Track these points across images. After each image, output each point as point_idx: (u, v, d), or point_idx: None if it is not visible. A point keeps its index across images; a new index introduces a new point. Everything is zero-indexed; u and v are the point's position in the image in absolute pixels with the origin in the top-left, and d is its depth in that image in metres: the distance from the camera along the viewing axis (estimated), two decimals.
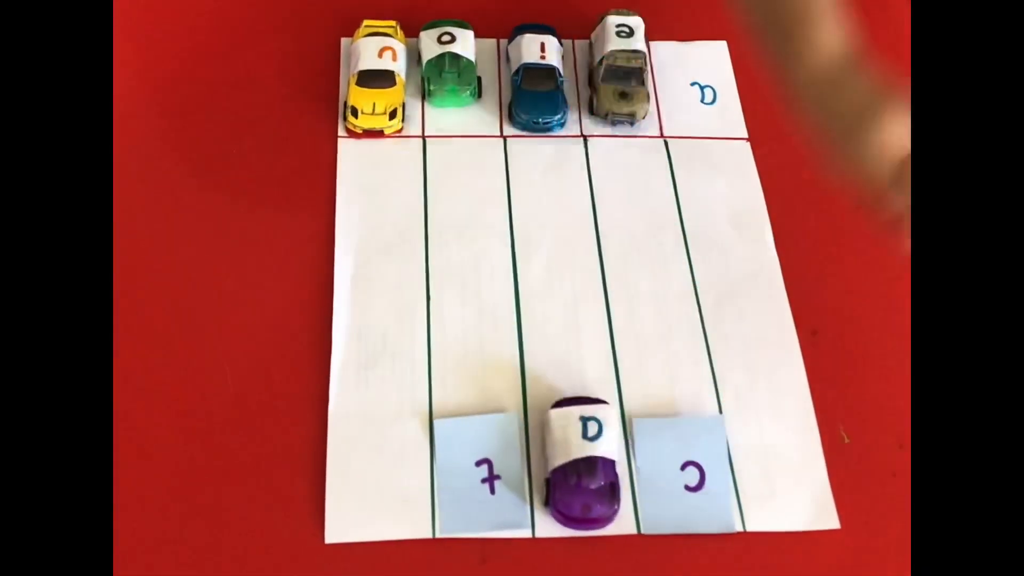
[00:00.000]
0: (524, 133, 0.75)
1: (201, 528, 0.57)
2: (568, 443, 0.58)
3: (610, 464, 0.58)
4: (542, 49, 0.76)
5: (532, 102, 0.74)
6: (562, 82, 0.75)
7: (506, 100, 0.76)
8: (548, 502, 0.58)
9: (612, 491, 0.58)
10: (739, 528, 0.59)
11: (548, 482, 0.59)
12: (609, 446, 0.59)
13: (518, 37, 0.77)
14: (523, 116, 0.74)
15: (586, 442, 0.58)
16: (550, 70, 0.75)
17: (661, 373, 0.64)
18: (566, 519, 0.58)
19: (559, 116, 0.74)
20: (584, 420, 0.59)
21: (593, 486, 0.58)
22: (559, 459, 0.58)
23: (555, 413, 0.60)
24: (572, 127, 0.76)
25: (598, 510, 0.57)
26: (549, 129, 0.75)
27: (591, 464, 0.58)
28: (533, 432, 0.61)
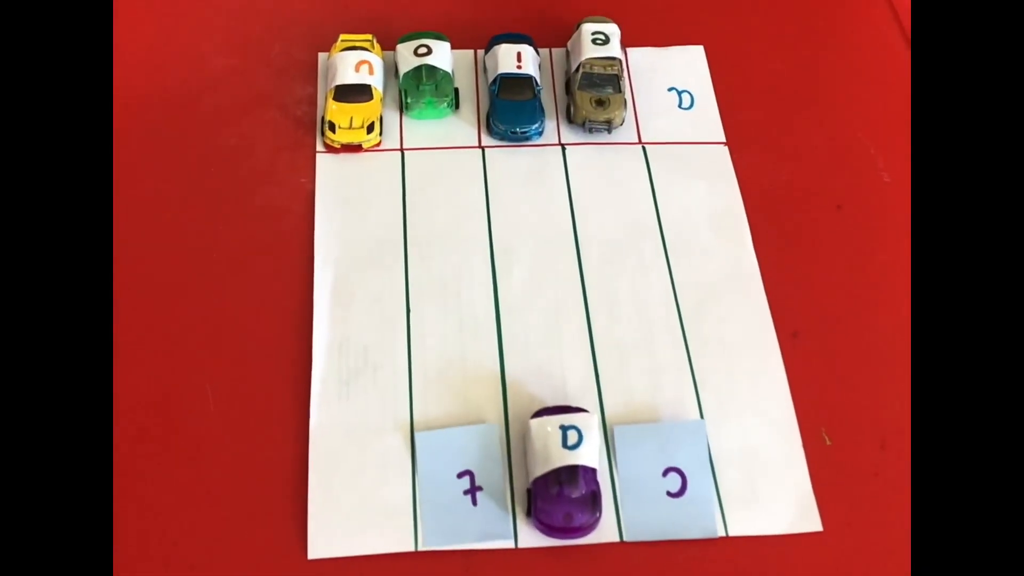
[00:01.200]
0: (502, 143, 0.75)
1: (183, 546, 0.57)
2: (548, 452, 0.58)
3: (591, 472, 0.58)
4: (518, 59, 0.76)
5: (509, 112, 0.75)
6: (539, 91, 0.76)
7: (484, 110, 0.77)
8: (530, 512, 0.58)
9: (594, 500, 0.58)
10: (722, 533, 0.59)
11: (530, 492, 0.59)
12: (590, 454, 0.59)
13: (495, 47, 0.77)
14: (500, 126, 0.74)
15: (567, 451, 0.58)
16: (527, 79, 0.75)
17: (642, 379, 0.64)
18: (548, 528, 0.58)
19: (536, 125, 0.75)
20: (564, 429, 0.59)
21: (575, 495, 0.58)
22: (540, 468, 0.58)
23: (535, 423, 0.60)
24: (550, 136, 0.76)
25: (580, 519, 0.57)
26: (527, 138, 0.75)
27: (572, 473, 0.58)
28: (515, 442, 0.61)
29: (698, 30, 0.83)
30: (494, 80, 0.76)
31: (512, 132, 0.74)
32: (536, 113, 0.75)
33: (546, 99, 0.77)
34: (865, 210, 0.74)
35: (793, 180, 0.75)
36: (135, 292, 0.66)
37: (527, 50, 0.77)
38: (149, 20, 0.81)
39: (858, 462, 0.62)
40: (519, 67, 0.75)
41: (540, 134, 0.75)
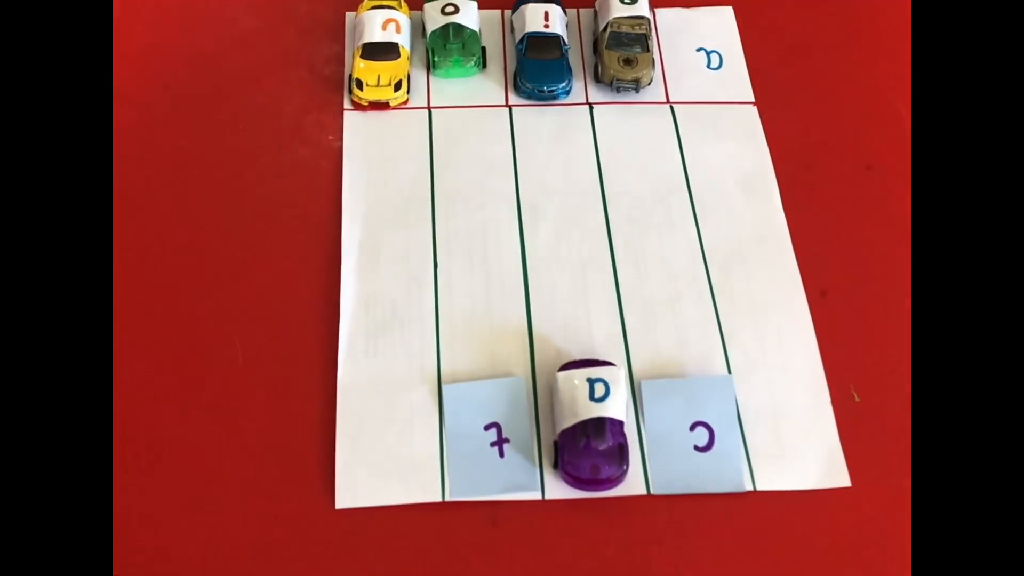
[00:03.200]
0: (529, 102, 0.75)
1: (211, 496, 0.58)
2: (576, 405, 0.58)
3: (618, 425, 0.58)
4: (545, 18, 0.75)
5: (537, 71, 0.74)
6: (566, 50, 0.75)
7: (511, 70, 0.76)
8: (557, 465, 0.58)
9: (620, 452, 0.58)
10: (749, 487, 0.59)
11: (557, 445, 0.59)
12: (617, 407, 0.59)
13: (522, 6, 0.77)
14: (528, 85, 0.74)
15: (593, 404, 0.58)
16: (554, 38, 0.75)
17: (669, 336, 0.64)
18: (575, 481, 0.58)
19: (564, 84, 0.74)
20: (591, 382, 0.59)
21: (601, 447, 0.58)
22: (567, 421, 0.58)
23: (562, 375, 0.60)
24: (578, 95, 0.76)
25: (607, 471, 0.58)
26: (554, 97, 0.74)
27: (599, 425, 0.58)
28: (541, 396, 0.61)
29: None
30: (521, 39, 0.75)
31: (539, 91, 0.74)
32: (563, 72, 0.74)
33: (574, 59, 0.77)
34: (894, 170, 0.73)
35: (823, 140, 0.75)
36: (164, 249, 0.67)
37: (555, 9, 0.76)
38: None
39: (887, 419, 0.62)
40: (546, 26, 0.75)
41: (567, 93, 0.75)
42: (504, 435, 0.60)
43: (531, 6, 0.76)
